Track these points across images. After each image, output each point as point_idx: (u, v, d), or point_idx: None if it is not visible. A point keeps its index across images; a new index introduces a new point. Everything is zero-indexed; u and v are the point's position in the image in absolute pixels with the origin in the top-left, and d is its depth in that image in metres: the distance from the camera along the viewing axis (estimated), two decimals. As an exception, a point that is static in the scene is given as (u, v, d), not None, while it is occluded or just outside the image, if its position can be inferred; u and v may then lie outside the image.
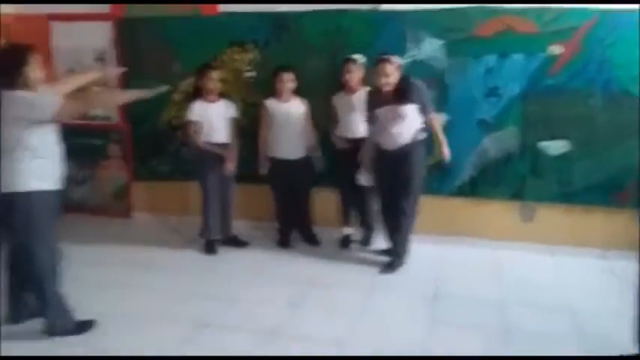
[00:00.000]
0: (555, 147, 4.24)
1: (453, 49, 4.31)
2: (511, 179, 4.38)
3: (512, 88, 4.26)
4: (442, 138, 3.96)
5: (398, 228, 4.05)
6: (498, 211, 4.46)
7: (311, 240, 4.62)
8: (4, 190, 2.88)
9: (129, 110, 4.92)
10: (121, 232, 5.01)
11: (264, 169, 4.46)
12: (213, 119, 4.32)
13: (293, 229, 4.64)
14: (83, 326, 3.18)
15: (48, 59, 4.79)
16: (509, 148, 4.34)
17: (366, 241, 4.56)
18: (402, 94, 3.83)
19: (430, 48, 4.36)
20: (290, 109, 4.36)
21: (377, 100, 3.94)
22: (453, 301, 3.60)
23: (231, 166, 4.38)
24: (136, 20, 4.92)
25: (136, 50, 4.94)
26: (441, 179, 4.47)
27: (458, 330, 3.24)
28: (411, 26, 4.34)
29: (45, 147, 2.93)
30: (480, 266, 4.17)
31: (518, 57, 4.20)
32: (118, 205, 5.37)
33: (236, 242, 4.58)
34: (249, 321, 3.36)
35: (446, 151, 3.96)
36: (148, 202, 5.32)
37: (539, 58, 4.16)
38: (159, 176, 5.19)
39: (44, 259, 3.00)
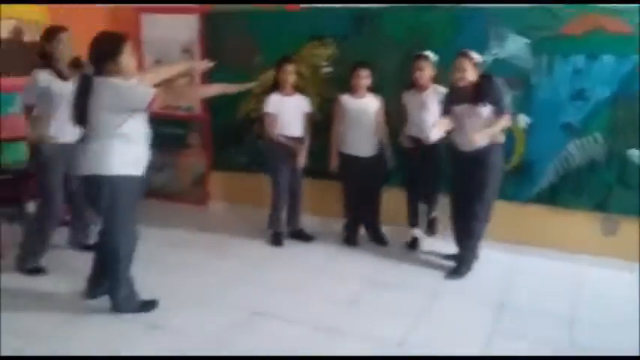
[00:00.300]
0: (646, 156, 3.95)
1: (538, 47, 4.11)
2: (595, 189, 4.11)
3: (601, 91, 3.99)
4: (488, 131, 3.62)
5: (468, 233, 3.91)
6: (578, 222, 4.19)
7: (379, 240, 4.55)
8: (88, 173, 3.02)
9: (210, 101, 5.06)
10: (196, 218, 5.17)
11: (334, 165, 4.44)
12: (289, 112, 4.37)
13: (360, 226, 4.60)
14: (147, 305, 3.31)
15: (137, 50, 5.03)
16: (594, 155, 4.08)
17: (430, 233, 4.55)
18: (480, 92, 3.69)
19: (514, 46, 4.18)
20: (364, 106, 4.32)
21: (455, 96, 3.82)
22: (519, 313, 3.43)
23: (302, 160, 4.41)
24: (221, 15, 5.07)
25: (220, 43, 5.07)
26: (518, 185, 4.28)
27: (520, 343, 3.08)
28: (495, 23, 4.18)
29: (134, 134, 3.02)
30: (553, 279, 3.95)
31: (608, 58, 3.94)
32: (196, 193, 5.55)
33: (302, 236, 4.61)
34: (305, 314, 3.36)
35: (475, 138, 3.60)
36: (224, 191, 5.46)
37: (632, 60, 3.87)
38: (236, 167, 5.32)
39: (122, 243, 3.13)
